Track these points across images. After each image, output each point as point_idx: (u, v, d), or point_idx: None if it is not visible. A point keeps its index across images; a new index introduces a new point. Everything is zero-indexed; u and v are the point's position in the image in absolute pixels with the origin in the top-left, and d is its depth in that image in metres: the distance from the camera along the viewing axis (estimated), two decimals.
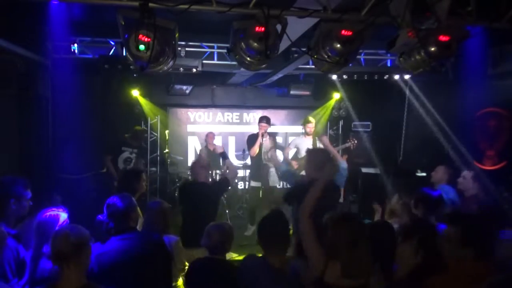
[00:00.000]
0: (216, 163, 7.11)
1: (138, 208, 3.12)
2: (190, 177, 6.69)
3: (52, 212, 2.77)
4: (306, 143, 6.72)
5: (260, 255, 2.72)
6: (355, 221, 2.33)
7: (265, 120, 6.59)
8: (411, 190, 3.72)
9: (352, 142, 6.61)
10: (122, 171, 6.03)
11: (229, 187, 4.74)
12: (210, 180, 4.69)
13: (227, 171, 4.87)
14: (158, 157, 8.46)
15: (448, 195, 3.77)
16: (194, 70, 6.12)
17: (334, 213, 2.41)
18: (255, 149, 6.49)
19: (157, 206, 3.38)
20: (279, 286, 2.50)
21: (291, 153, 6.82)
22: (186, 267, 3.43)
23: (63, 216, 2.79)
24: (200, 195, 4.30)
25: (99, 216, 2.85)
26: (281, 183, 7.46)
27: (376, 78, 7.18)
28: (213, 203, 4.40)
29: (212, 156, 7.39)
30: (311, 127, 6.69)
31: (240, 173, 7.06)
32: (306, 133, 6.72)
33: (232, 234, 3.06)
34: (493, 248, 2.30)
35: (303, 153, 6.66)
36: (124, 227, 2.86)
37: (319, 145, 6.81)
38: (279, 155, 7.32)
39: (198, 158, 4.85)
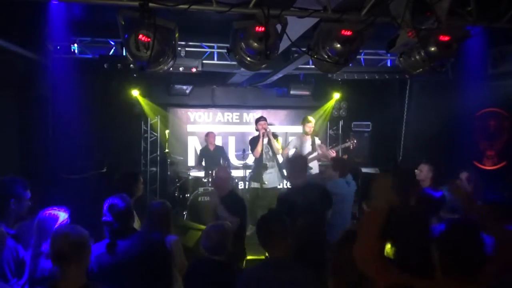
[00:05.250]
0: (216, 163, 7.12)
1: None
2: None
3: (53, 211, 2.77)
4: (305, 143, 6.73)
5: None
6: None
7: (264, 118, 6.62)
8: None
9: (352, 141, 6.61)
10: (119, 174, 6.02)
11: None
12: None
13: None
14: (158, 157, 8.46)
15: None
16: (194, 70, 6.13)
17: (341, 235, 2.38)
18: (259, 149, 6.49)
19: (160, 206, 3.37)
20: (285, 274, 2.47)
21: (290, 153, 6.82)
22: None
23: (63, 215, 2.79)
24: None
25: (104, 217, 2.85)
26: (281, 183, 7.46)
27: (376, 78, 7.18)
28: None
29: (212, 156, 7.41)
30: (310, 126, 6.70)
31: (240, 173, 7.06)
32: (305, 133, 6.72)
33: (231, 234, 3.05)
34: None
35: (302, 153, 6.67)
36: (127, 227, 2.87)
37: (318, 144, 6.83)
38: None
39: (218, 169, 4.80)
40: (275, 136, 6.76)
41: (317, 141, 6.87)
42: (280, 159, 7.06)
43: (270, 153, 6.75)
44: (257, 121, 6.67)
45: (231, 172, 5.08)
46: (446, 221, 2.42)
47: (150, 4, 3.10)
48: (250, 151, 6.82)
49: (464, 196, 2.40)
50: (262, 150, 6.56)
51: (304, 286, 2.40)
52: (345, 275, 2.21)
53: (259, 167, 6.64)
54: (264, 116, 7.06)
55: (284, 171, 7.40)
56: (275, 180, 6.88)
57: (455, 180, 2.55)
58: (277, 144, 6.66)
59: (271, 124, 7.88)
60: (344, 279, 2.19)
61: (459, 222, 2.16)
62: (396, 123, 7.91)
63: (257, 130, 6.69)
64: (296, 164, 4.20)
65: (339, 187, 4.40)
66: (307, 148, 6.70)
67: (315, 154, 6.59)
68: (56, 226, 2.70)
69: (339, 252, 2.29)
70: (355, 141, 6.45)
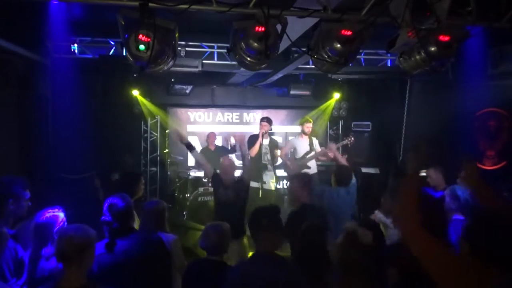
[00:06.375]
0: (217, 163, 7.11)
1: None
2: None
3: (49, 213, 2.75)
4: (303, 143, 6.72)
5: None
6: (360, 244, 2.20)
7: (266, 119, 6.60)
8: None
9: (349, 139, 6.62)
10: (121, 174, 6.03)
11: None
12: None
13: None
14: (158, 157, 8.46)
15: (463, 194, 3.72)
16: (194, 70, 6.13)
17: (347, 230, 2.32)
18: (255, 149, 6.49)
19: (152, 205, 3.39)
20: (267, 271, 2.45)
21: (288, 153, 6.81)
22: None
23: (61, 216, 2.78)
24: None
25: (104, 217, 2.84)
26: (279, 183, 7.46)
27: (376, 78, 7.18)
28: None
29: (212, 156, 7.40)
30: (309, 127, 6.69)
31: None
32: (303, 133, 6.71)
33: (230, 234, 3.05)
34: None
35: (300, 154, 6.66)
36: (126, 227, 2.87)
37: (316, 145, 6.81)
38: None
39: (223, 159, 4.97)
40: (274, 144, 6.79)
41: (315, 141, 6.86)
42: (278, 161, 7.06)
43: (269, 156, 6.73)
44: (261, 120, 6.66)
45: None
46: (469, 212, 2.32)
47: (150, 4, 3.10)
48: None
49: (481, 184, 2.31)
50: (261, 151, 6.54)
51: (284, 284, 2.38)
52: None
53: (258, 167, 6.63)
54: (265, 116, 7.04)
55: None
56: (273, 180, 6.89)
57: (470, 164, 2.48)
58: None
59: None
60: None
61: (483, 212, 2.12)
62: (396, 123, 7.89)
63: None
64: (301, 185, 3.83)
65: (337, 196, 4.16)
66: (305, 148, 6.69)
67: (312, 153, 6.58)
68: (56, 229, 2.69)
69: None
70: (352, 139, 6.45)
